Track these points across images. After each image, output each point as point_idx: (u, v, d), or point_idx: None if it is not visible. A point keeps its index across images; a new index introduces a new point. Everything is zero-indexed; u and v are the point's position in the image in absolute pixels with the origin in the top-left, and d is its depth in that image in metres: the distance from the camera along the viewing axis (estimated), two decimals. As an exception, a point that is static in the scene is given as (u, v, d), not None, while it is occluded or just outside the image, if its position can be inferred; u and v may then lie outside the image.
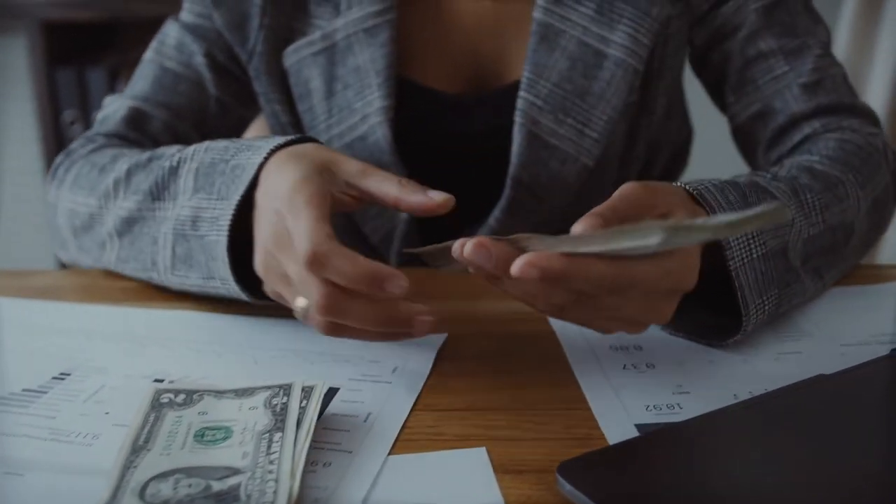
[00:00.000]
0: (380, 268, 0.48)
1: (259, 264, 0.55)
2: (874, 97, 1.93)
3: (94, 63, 1.81)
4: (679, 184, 0.57)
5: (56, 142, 1.81)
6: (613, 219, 0.48)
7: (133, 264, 0.67)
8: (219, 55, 0.81)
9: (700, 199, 0.55)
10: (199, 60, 0.81)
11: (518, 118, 0.76)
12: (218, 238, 0.58)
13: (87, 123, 1.80)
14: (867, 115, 0.78)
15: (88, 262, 0.72)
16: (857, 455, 0.44)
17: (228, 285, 0.59)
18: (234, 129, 0.87)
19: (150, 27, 0.86)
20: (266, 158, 0.57)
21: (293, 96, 0.81)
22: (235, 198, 0.58)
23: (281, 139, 0.59)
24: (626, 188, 0.51)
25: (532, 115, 0.76)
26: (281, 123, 0.83)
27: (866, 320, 0.63)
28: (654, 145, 0.85)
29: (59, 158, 0.77)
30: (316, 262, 0.48)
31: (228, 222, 0.58)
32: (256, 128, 0.96)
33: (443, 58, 0.82)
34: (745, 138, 0.82)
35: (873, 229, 0.72)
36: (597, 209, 0.48)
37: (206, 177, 0.61)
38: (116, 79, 1.80)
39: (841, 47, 1.92)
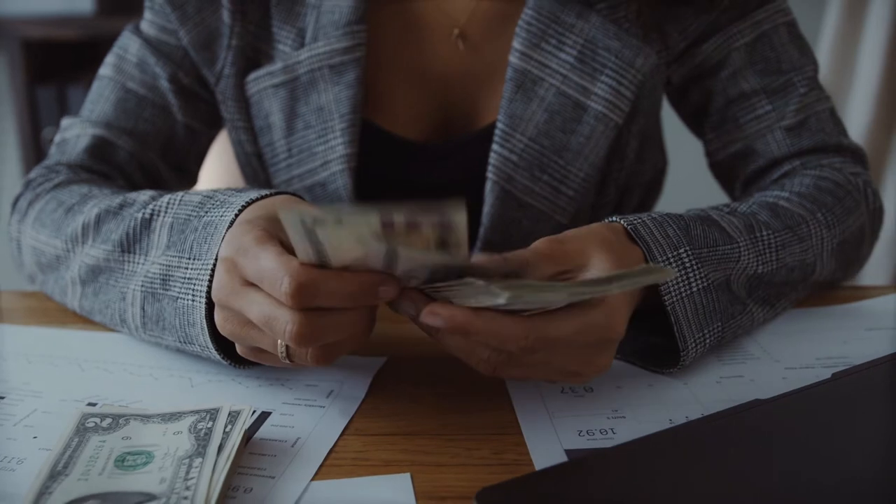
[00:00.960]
0: (369, 276, 0.45)
1: (220, 323, 0.51)
2: (857, 100, 1.94)
3: (74, 81, 1.81)
4: (615, 219, 0.56)
5: (36, 159, 1.82)
6: (515, 264, 0.47)
7: (99, 317, 0.64)
8: (184, 79, 0.77)
9: (635, 236, 0.55)
10: (164, 85, 0.77)
11: (491, 174, 0.73)
12: (194, 303, 0.54)
13: (68, 141, 1.81)
14: (852, 152, 0.77)
15: (55, 298, 0.69)
16: (786, 481, 0.44)
17: (208, 353, 0.55)
18: (203, 152, 0.84)
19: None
20: (237, 215, 0.54)
21: (254, 128, 0.78)
22: (210, 261, 0.53)
23: (254, 193, 0.56)
24: (539, 244, 0.50)
25: (506, 172, 0.72)
26: (246, 153, 0.80)
27: (812, 343, 0.63)
28: (625, 188, 0.82)
29: (19, 189, 0.74)
30: (304, 292, 0.44)
31: (205, 288, 0.53)
32: (216, 149, 0.95)
33: (411, 103, 0.78)
34: (724, 173, 0.81)
35: (840, 269, 0.71)
36: (508, 254, 0.47)
37: (179, 234, 0.57)
38: (97, 97, 1.80)
39: (824, 51, 1.93)
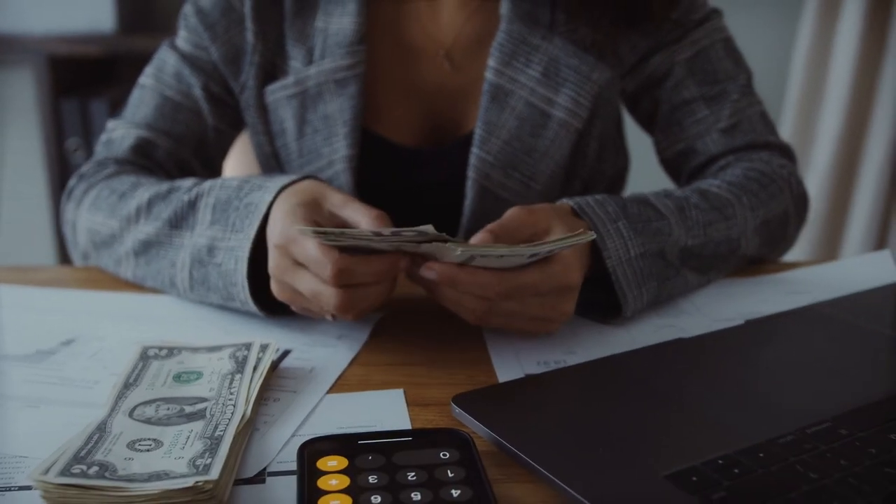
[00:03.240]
0: (388, 258, 0.60)
1: (276, 292, 0.65)
2: (832, 97, 2.08)
3: (96, 95, 1.94)
4: (564, 200, 0.70)
5: (60, 167, 1.94)
6: (502, 233, 0.62)
7: (150, 282, 0.77)
8: (214, 87, 0.90)
9: (580, 212, 0.68)
10: (198, 93, 0.89)
11: (471, 173, 0.85)
12: (236, 268, 0.67)
13: (89, 151, 1.93)
14: (779, 148, 0.90)
15: (109, 270, 0.82)
16: (697, 394, 0.56)
17: (248, 306, 0.69)
18: (227, 149, 0.96)
19: (148, 62, 0.94)
20: (275, 197, 0.67)
21: (272, 132, 0.91)
22: (251, 233, 0.67)
23: (286, 179, 0.69)
24: (512, 212, 0.65)
25: (483, 171, 0.85)
26: (265, 154, 0.93)
27: (738, 303, 0.76)
28: (588, 184, 0.94)
29: (72, 181, 0.87)
30: (342, 276, 0.59)
31: (247, 255, 0.67)
32: (237, 148, 1.08)
33: (405, 114, 0.91)
34: (672, 168, 0.95)
35: (765, 245, 0.84)
36: (489, 226, 0.62)
37: (222, 212, 0.70)
38: (116, 109, 1.92)
39: (799, 56, 2.07)
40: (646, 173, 1.25)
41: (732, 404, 0.55)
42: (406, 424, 0.55)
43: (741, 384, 0.58)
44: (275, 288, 0.65)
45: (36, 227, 2.15)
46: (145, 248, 0.76)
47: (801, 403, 0.55)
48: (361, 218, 0.64)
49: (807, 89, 2.11)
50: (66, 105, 1.92)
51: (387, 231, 0.58)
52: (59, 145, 1.94)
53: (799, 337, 0.67)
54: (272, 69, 0.89)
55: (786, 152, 0.90)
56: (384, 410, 0.57)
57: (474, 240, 0.61)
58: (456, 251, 0.57)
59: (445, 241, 0.57)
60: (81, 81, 1.98)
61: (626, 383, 0.58)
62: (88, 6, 1.86)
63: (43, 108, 1.92)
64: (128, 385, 0.57)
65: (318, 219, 0.64)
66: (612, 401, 0.56)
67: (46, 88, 1.90)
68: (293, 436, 0.53)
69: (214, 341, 0.64)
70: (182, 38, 0.91)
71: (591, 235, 0.60)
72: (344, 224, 0.65)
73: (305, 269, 0.62)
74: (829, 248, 2.17)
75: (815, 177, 2.11)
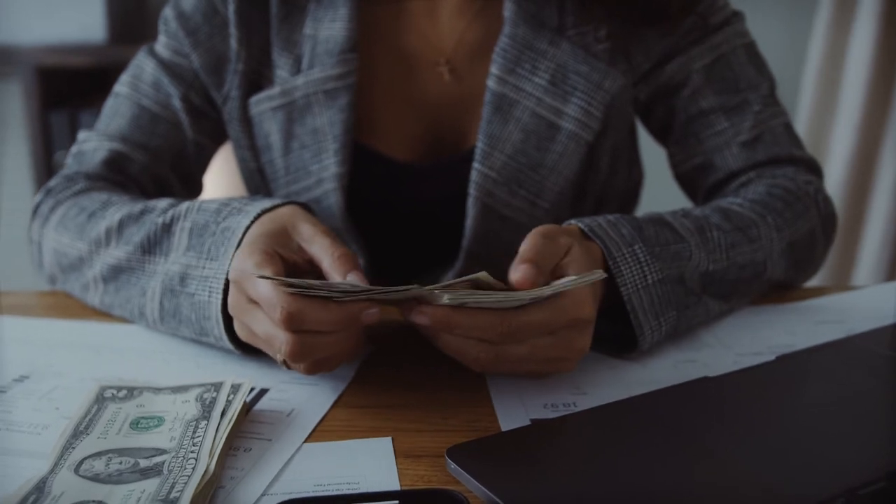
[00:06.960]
0: (351, 307, 0.52)
1: (237, 329, 0.58)
2: (847, 100, 2.01)
3: (85, 107, 1.88)
4: (573, 221, 0.63)
5: (48, 181, 1.88)
6: (542, 261, 0.55)
7: (118, 311, 0.70)
8: (195, 99, 0.83)
9: (591, 234, 0.61)
10: (177, 104, 0.83)
11: (472, 190, 0.78)
12: (210, 299, 0.61)
13: (79, 164, 1.88)
14: (804, 163, 0.82)
15: (75, 295, 0.75)
16: (727, 443, 0.49)
17: (222, 343, 0.61)
18: (208, 164, 0.90)
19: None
20: (253, 221, 0.61)
21: (256, 146, 0.85)
22: (226, 262, 0.60)
23: (268, 203, 0.63)
24: (533, 235, 0.57)
25: (486, 188, 0.78)
26: (249, 170, 0.86)
27: (764, 333, 0.69)
28: (601, 199, 0.88)
29: (38, 197, 0.80)
30: (293, 320, 0.51)
31: (222, 286, 0.60)
32: (221, 164, 1.01)
33: (401, 127, 0.84)
34: (688, 184, 0.87)
35: (792, 268, 0.76)
36: (526, 256, 0.54)
37: (198, 238, 0.63)
38: (107, 122, 1.87)
39: (814, 52, 2.00)
40: (660, 189, 1.18)
41: (770, 457, 0.48)
42: (394, 480, 0.48)
43: (778, 433, 0.51)
44: (235, 326, 0.58)
45: (22, 244, 2.09)
46: (115, 273, 0.69)
47: (848, 456, 0.48)
48: (324, 257, 0.56)
49: (819, 102, 2.04)
50: (56, 117, 1.87)
51: (339, 287, 0.51)
52: (47, 159, 1.88)
53: (838, 375, 0.60)
54: (257, 79, 0.83)
55: (812, 167, 0.83)
56: (369, 463, 0.49)
57: (514, 275, 0.53)
58: (443, 298, 0.50)
59: (410, 290, 0.51)
60: (71, 93, 1.93)
61: (648, 432, 0.51)
62: (79, 16, 1.81)
63: (31, 121, 1.86)
64: (77, 433, 0.50)
65: (284, 251, 0.57)
66: (633, 453, 0.48)
67: (35, 100, 1.85)
68: (263, 495, 0.46)
69: (183, 379, 0.57)
70: (161, 44, 0.85)
71: (602, 274, 0.53)
72: (311, 260, 0.58)
73: (260, 309, 0.55)
74: (842, 267, 2.09)
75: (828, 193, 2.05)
